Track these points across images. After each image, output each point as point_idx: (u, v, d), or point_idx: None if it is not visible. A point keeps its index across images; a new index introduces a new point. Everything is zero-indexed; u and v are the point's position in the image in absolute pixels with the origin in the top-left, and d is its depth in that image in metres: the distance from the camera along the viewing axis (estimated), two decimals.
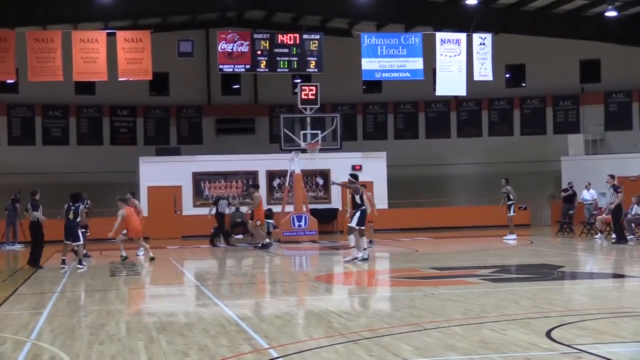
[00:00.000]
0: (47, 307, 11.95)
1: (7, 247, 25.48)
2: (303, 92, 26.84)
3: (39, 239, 18.64)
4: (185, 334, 9.35)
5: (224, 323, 10.11)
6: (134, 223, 19.96)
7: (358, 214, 18.33)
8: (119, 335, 9.41)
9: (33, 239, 18.94)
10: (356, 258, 18.37)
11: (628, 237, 22.88)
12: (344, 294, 13.56)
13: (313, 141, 26.78)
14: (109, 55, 25.68)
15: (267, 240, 23.85)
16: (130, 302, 12.94)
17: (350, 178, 19.06)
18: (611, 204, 22.89)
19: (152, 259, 19.75)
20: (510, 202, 25.26)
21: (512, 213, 25.29)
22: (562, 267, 16.17)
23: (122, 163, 32.36)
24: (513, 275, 14.76)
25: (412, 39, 27.59)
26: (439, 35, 27.69)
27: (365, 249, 18.44)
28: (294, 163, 27.26)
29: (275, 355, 8.08)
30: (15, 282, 15.61)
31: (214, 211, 25.45)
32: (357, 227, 18.32)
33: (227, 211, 25.73)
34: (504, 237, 24.47)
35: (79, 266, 17.90)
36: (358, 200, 18.47)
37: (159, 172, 30.02)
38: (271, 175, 31.32)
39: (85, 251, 21.68)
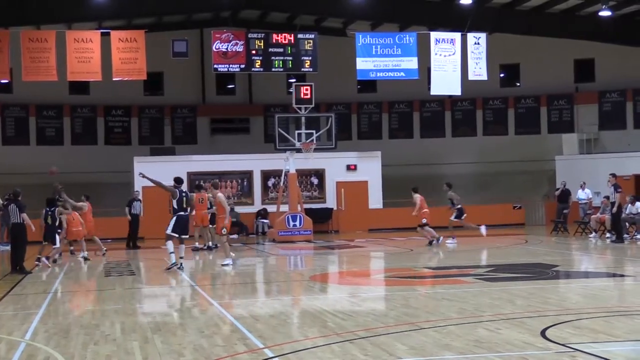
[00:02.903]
0: (42, 308, 11.92)
1: (2, 247, 25.39)
2: (298, 92, 26.84)
3: (23, 242, 17.44)
4: (180, 334, 9.34)
5: (218, 323, 10.10)
6: (71, 227, 20.41)
7: (174, 219, 16.97)
8: (113, 336, 9.39)
9: (17, 242, 17.57)
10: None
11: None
12: (339, 294, 13.56)
13: (308, 141, 26.79)
14: (103, 55, 25.64)
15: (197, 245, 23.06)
16: (124, 302, 12.91)
17: (174, 182, 17.54)
18: (612, 202, 22.59)
19: (85, 259, 20.17)
20: (457, 207, 23.66)
21: (454, 218, 23.65)
22: (557, 266, 16.19)
23: (116, 163, 32.32)
24: (508, 275, 14.77)
25: (407, 38, 27.62)
26: (434, 35, 27.72)
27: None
28: (289, 163, 27.26)
29: (270, 354, 8.07)
30: (9, 283, 15.57)
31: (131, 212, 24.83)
32: (172, 234, 16.96)
33: (142, 213, 25.05)
34: (447, 241, 22.97)
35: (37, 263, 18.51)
36: (175, 205, 16.96)
37: (154, 172, 29.58)
38: (266, 175, 31.32)
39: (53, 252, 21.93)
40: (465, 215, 23.83)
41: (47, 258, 18.90)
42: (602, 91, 35.48)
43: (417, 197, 23.07)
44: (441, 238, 22.73)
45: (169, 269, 16.81)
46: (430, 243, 22.47)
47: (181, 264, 16.91)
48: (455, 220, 23.71)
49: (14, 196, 17.63)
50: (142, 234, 25.91)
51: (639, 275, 15.06)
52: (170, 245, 17.02)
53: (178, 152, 32.60)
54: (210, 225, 22.51)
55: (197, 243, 23.12)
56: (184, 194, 17.15)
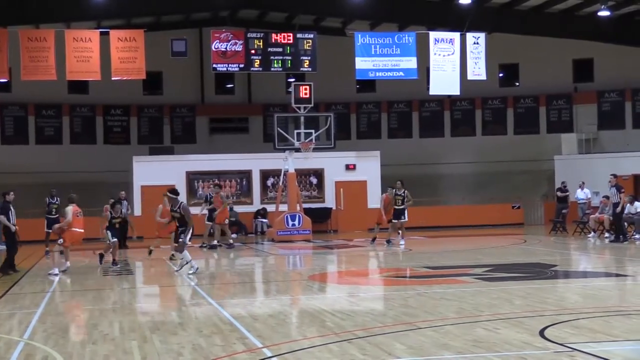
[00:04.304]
0: (40, 307, 11.92)
1: (0, 247, 25.39)
2: (297, 92, 26.84)
3: (10, 243, 17.17)
4: (179, 334, 9.34)
5: (217, 322, 10.10)
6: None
7: (191, 229, 16.30)
8: (112, 335, 9.39)
9: (6, 242, 17.51)
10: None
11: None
12: (337, 293, 13.56)
13: (307, 140, 26.78)
14: (102, 55, 25.62)
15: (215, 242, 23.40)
16: (123, 301, 12.92)
17: (173, 194, 16.54)
18: (615, 203, 22.56)
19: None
20: (402, 207, 22.75)
21: (405, 218, 22.87)
22: (556, 266, 16.21)
23: (115, 162, 32.31)
24: (506, 274, 14.78)
25: (406, 38, 27.60)
26: (433, 35, 27.70)
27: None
28: (288, 162, 27.24)
29: (268, 354, 8.07)
30: (7, 282, 15.57)
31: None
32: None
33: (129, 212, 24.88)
34: (400, 243, 22.55)
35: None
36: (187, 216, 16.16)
37: (153, 171, 29.98)
38: (265, 174, 31.31)
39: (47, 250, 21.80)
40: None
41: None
42: (601, 91, 35.48)
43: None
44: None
45: (191, 273, 16.11)
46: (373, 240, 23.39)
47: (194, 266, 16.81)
48: (402, 221, 22.90)
49: (3, 195, 17.40)
50: (141, 233, 25.86)
51: (637, 275, 15.08)
52: (188, 254, 16.41)
53: (177, 151, 32.59)
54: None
55: (216, 241, 23.29)
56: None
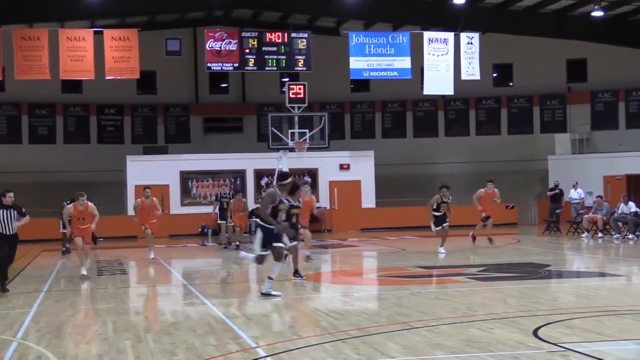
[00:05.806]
0: (34, 307, 11.90)
1: None
2: (291, 91, 26.86)
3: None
4: (173, 333, 9.33)
5: (211, 322, 10.09)
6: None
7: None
8: (105, 335, 9.38)
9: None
10: None
11: (614, 236, 23.12)
12: (331, 293, 13.57)
13: (301, 140, 26.82)
14: (96, 54, 25.60)
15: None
16: (117, 301, 12.89)
17: (281, 182, 13.03)
18: None
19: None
20: (443, 212, 20.41)
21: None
22: (549, 265, 16.24)
23: (109, 162, 32.25)
24: (500, 274, 14.80)
25: (400, 38, 27.64)
26: (427, 35, 27.74)
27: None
28: (282, 162, 27.25)
29: (262, 354, 8.07)
30: None
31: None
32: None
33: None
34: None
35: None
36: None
37: (147, 170, 29.95)
38: (259, 174, 31.29)
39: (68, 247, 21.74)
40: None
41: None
42: (594, 91, 35.55)
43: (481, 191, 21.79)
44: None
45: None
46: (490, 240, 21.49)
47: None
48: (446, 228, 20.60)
49: None
50: (136, 233, 25.82)
51: (630, 275, 15.12)
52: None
53: (171, 151, 32.55)
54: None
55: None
56: None
